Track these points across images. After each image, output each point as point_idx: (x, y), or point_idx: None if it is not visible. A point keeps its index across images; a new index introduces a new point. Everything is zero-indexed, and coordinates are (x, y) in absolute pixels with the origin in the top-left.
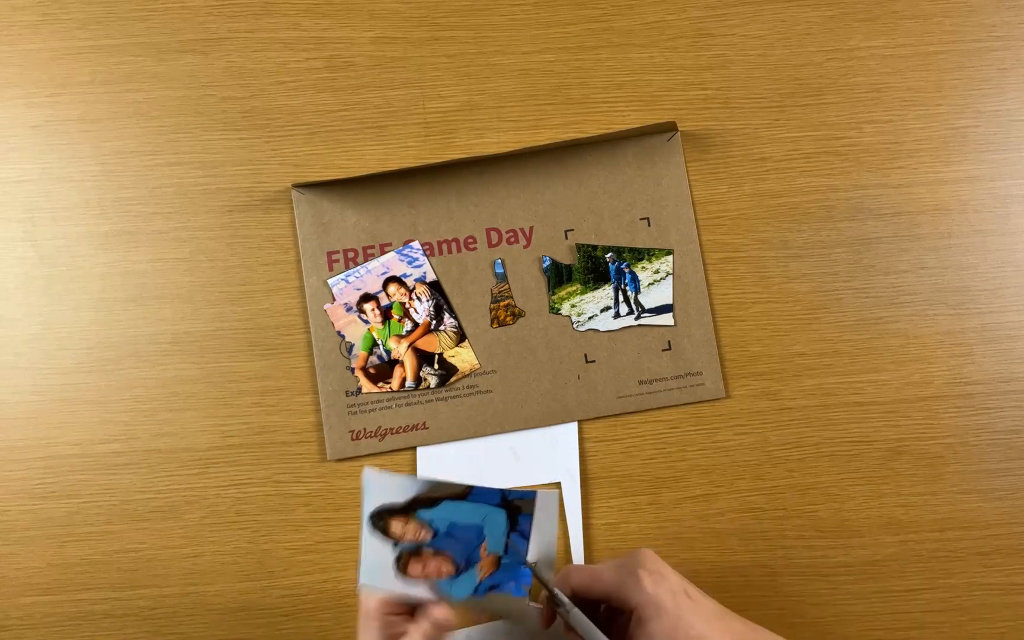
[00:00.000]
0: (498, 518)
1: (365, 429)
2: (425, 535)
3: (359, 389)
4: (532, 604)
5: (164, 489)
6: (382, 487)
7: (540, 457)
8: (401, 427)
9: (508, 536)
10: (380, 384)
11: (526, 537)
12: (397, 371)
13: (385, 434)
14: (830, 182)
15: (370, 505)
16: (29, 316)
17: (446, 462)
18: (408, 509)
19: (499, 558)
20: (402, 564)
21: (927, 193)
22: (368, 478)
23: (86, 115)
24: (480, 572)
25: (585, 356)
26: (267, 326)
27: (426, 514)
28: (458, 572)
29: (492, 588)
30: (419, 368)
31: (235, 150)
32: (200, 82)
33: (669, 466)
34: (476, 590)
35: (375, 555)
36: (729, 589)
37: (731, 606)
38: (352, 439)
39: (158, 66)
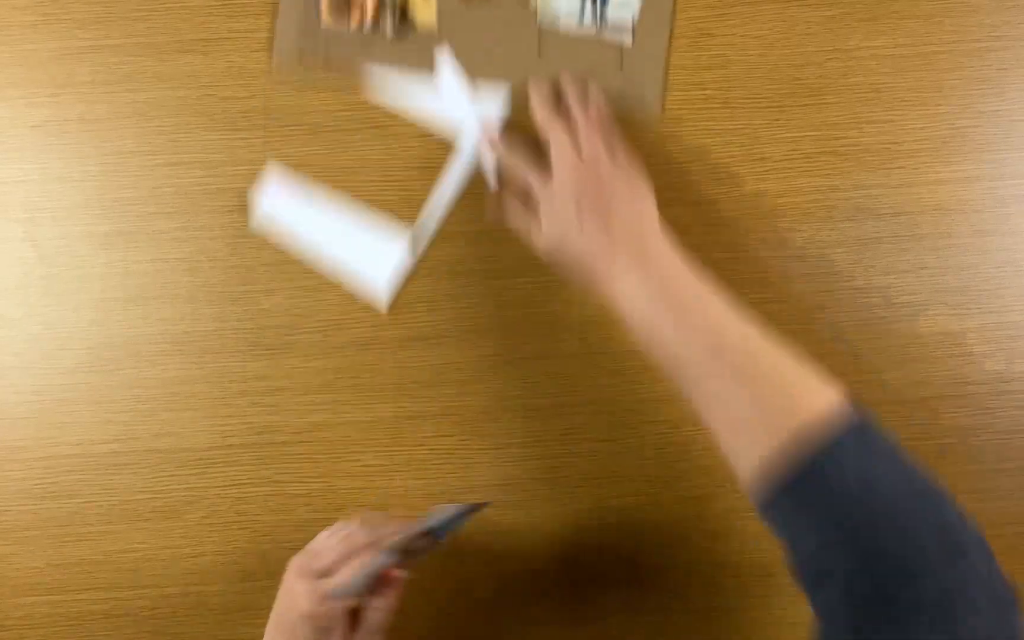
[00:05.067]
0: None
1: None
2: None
3: (318, 12)
4: None
5: (164, 489)
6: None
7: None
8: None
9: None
10: (340, 17)
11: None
12: (355, 12)
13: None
14: (830, 182)
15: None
16: (29, 316)
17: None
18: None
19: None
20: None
21: (927, 193)
22: None
23: (86, 115)
24: None
25: (539, 50)
26: (267, 326)
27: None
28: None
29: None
30: (380, 14)
31: (235, 150)
32: (200, 82)
33: (669, 466)
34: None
35: None
36: (728, 589)
37: (731, 605)
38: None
39: (158, 66)
